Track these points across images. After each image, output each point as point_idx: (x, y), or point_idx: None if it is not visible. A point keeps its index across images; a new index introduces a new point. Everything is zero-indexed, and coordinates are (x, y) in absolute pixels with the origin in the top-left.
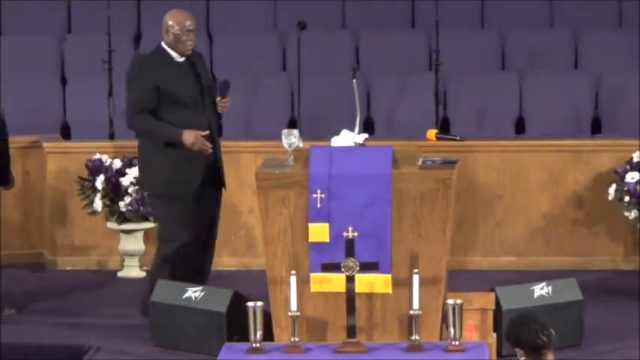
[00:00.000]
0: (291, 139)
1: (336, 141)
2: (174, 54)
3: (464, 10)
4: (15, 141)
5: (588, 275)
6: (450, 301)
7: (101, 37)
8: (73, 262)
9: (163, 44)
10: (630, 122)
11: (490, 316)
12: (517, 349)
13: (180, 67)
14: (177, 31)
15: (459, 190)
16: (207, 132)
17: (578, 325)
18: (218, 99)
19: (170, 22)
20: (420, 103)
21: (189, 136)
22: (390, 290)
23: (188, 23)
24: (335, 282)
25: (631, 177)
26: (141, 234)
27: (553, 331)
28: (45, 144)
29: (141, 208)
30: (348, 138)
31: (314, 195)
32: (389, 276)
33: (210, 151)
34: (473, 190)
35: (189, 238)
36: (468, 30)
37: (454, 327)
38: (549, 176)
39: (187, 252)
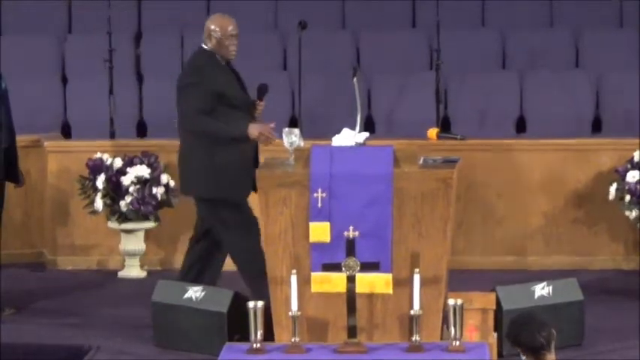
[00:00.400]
0: (292, 138)
1: (337, 140)
2: (219, 57)
3: (464, 9)
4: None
5: (588, 275)
6: (451, 301)
7: (102, 37)
8: (73, 261)
9: (206, 48)
10: (630, 121)
11: (491, 316)
12: (519, 349)
13: (226, 70)
14: (220, 36)
15: (460, 190)
16: (273, 124)
17: (578, 325)
18: (257, 102)
19: (212, 27)
20: (421, 102)
21: (254, 129)
22: (390, 290)
23: (231, 28)
24: (336, 282)
25: (632, 176)
26: (142, 233)
27: (554, 332)
28: (46, 143)
29: (142, 207)
30: (348, 137)
31: (315, 194)
32: (390, 276)
33: (273, 142)
34: (473, 189)
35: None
36: (468, 29)
37: (455, 327)
38: (550, 175)
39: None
